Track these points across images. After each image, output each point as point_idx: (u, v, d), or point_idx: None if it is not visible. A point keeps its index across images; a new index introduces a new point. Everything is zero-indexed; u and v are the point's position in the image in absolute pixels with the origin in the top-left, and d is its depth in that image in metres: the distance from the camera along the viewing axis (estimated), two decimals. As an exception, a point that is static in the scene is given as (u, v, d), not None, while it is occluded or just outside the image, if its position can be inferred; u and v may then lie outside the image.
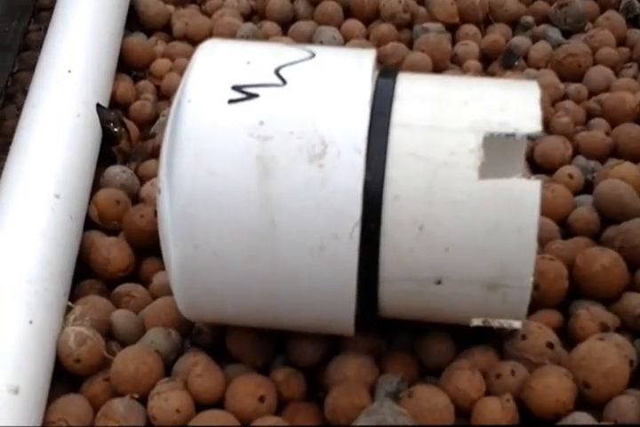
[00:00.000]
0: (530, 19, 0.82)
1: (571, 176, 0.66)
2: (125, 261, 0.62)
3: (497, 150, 0.48)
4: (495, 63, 0.79)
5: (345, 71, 0.51)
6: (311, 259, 0.48)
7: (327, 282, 0.49)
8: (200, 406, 0.53)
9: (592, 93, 0.75)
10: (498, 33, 0.80)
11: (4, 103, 0.77)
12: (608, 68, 0.76)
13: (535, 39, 0.80)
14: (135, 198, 0.67)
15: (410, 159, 0.48)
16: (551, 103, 0.73)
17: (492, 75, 0.78)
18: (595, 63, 0.77)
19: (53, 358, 0.55)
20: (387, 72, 0.53)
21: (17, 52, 0.81)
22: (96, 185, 0.67)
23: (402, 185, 0.48)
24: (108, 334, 0.57)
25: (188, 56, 0.55)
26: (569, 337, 0.56)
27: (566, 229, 0.63)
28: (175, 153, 0.49)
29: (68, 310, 0.58)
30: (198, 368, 0.53)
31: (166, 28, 0.85)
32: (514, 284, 0.49)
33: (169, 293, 0.55)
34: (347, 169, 0.47)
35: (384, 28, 0.80)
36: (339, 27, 0.82)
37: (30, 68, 0.75)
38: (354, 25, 0.82)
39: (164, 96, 0.78)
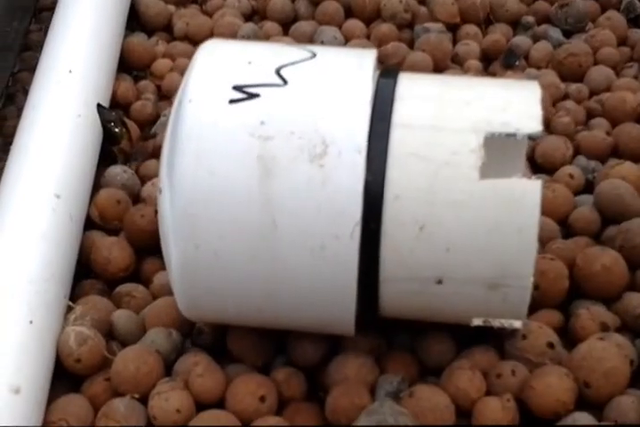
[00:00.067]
0: (531, 19, 0.82)
1: (571, 176, 0.66)
2: (126, 261, 0.62)
3: (498, 150, 0.48)
4: (496, 63, 0.79)
5: (346, 71, 0.51)
6: (312, 259, 0.48)
7: (328, 282, 0.49)
8: (201, 406, 0.53)
9: (593, 93, 0.75)
10: (499, 33, 0.80)
11: (4, 103, 0.77)
12: (609, 67, 0.76)
13: (536, 39, 0.80)
14: (136, 198, 0.67)
15: (411, 159, 0.48)
16: (552, 103, 0.73)
17: (492, 75, 0.78)
18: (595, 63, 0.77)
19: (54, 358, 0.55)
20: (388, 72, 0.52)
21: (18, 53, 0.81)
22: (97, 185, 0.67)
23: (403, 185, 0.48)
24: (109, 333, 0.57)
25: (189, 56, 0.55)
26: (569, 337, 0.56)
27: (567, 228, 0.63)
28: (176, 153, 0.49)
29: (69, 309, 0.58)
30: (199, 368, 0.53)
31: (167, 28, 0.85)
32: (514, 283, 0.49)
33: (169, 293, 0.55)
34: (347, 169, 0.47)
35: (385, 28, 0.80)
36: (339, 27, 0.82)
37: (31, 68, 0.75)
38: (355, 25, 0.82)
39: (165, 96, 0.78)
